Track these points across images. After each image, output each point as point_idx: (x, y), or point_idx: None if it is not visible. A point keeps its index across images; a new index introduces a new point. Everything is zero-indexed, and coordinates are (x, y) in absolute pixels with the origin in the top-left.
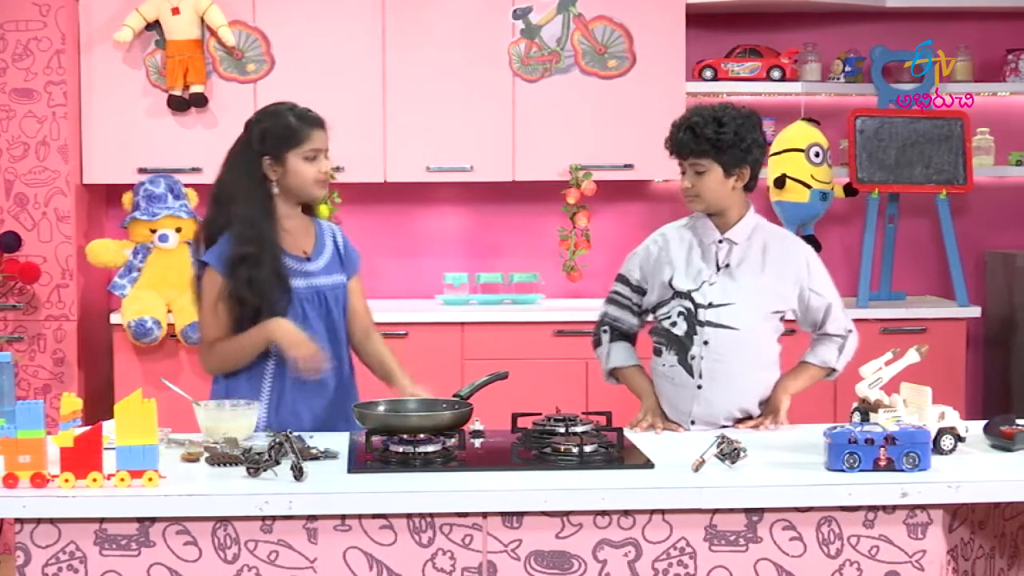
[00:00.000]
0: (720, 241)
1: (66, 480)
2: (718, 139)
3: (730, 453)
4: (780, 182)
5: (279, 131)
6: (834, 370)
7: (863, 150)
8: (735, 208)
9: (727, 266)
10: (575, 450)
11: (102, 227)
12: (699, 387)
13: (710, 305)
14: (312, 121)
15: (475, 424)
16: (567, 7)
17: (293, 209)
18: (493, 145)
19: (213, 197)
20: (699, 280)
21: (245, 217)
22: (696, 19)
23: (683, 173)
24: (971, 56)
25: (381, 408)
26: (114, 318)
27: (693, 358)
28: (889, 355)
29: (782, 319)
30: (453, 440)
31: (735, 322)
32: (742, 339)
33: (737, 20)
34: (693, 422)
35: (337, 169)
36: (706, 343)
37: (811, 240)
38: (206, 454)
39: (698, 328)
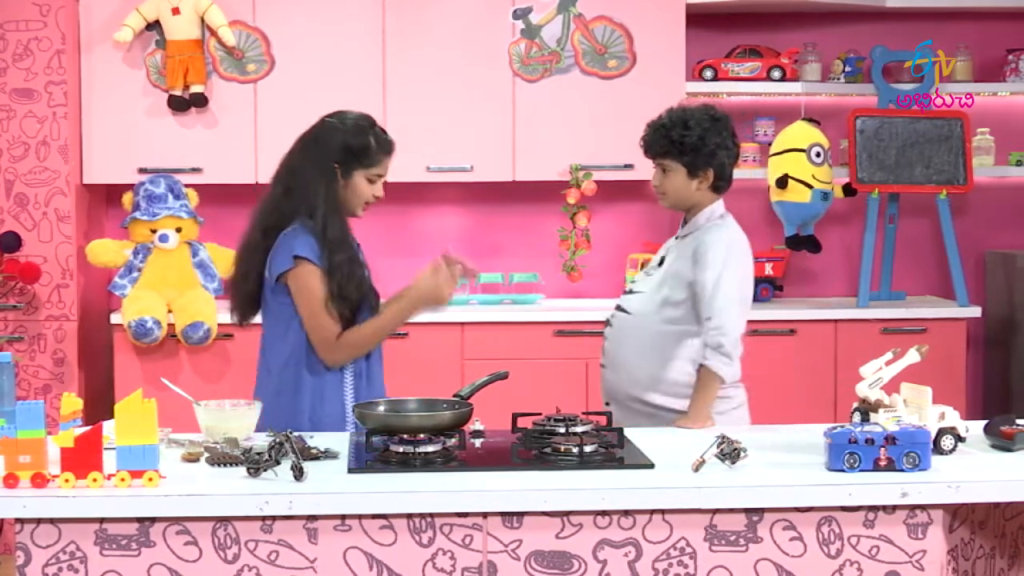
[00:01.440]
0: (678, 237)
1: (66, 480)
2: (682, 141)
3: (730, 453)
4: (782, 182)
5: (358, 148)
6: (704, 368)
7: (863, 150)
8: (702, 207)
9: (664, 259)
10: (575, 450)
11: (102, 227)
12: (603, 366)
13: (628, 292)
14: (388, 147)
15: (475, 424)
16: (567, 7)
17: None
18: (493, 145)
19: (285, 185)
20: (644, 272)
21: (331, 223)
22: (696, 19)
23: (655, 170)
24: (971, 56)
25: (381, 408)
26: (114, 318)
27: (605, 339)
28: (889, 355)
29: (684, 306)
30: (453, 440)
31: (633, 307)
32: (632, 323)
33: (737, 20)
34: (607, 403)
35: None
36: (611, 326)
37: (811, 240)
38: (206, 454)
39: (614, 312)
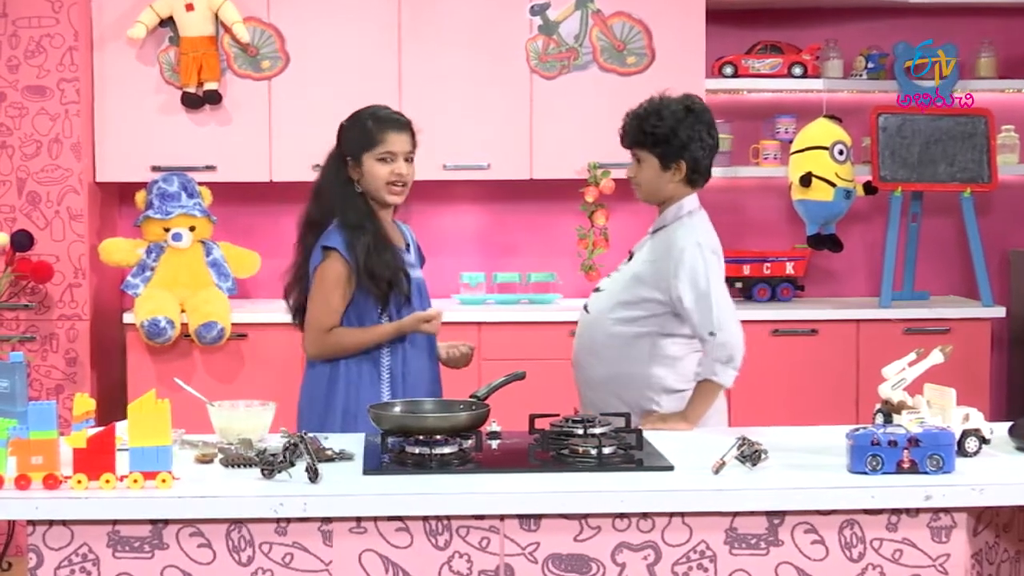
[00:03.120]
0: (650, 232)
1: (79, 481)
2: (653, 132)
3: (751, 455)
4: (806, 180)
5: (356, 134)
6: (710, 380)
7: (885, 148)
8: (675, 200)
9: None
10: (593, 452)
11: (115, 226)
12: (573, 365)
13: (596, 290)
14: (389, 123)
15: (492, 425)
16: (585, 3)
17: (380, 208)
18: (510, 143)
19: (313, 194)
20: (616, 270)
21: (348, 211)
22: (716, 15)
23: (631, 160)
24: (995, 52)
25: (397, 409)
26: (127, 318)
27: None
28: (912, 356)
29: (647, 311)
30: (470, 441)
31: (592, 307)
32: (588, 323)
33: (758, 16)
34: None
35: None
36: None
37: (833, 239)
38: (220, 455)
39: (581, 311)
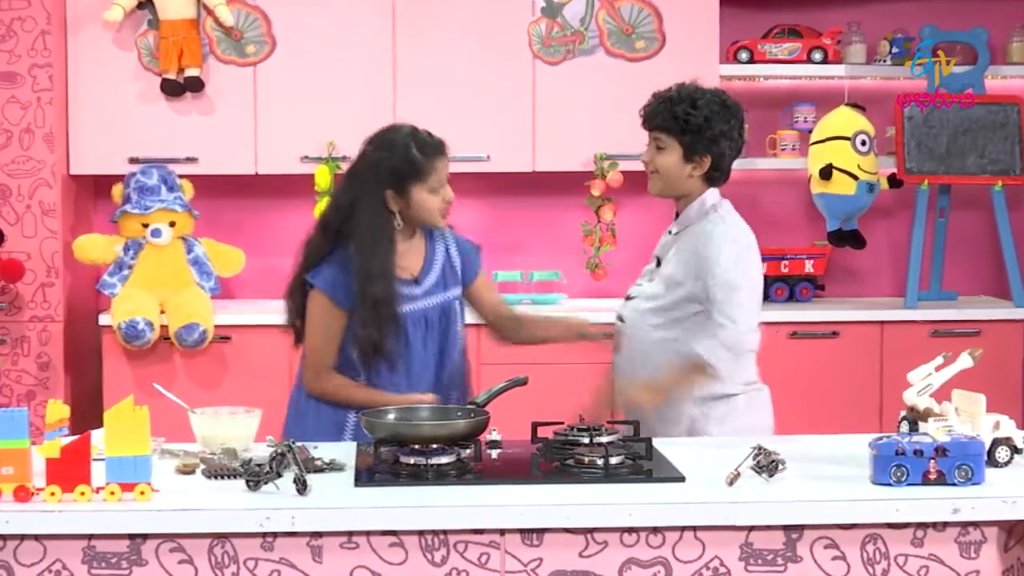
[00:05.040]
0: (672, 232)
1: (52, 494)
2: (686, 119)
3: (767, 466)
4: (826, 173)
5: (402, 165)
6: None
7: (911, 138)
8: (693, 197)
9: (660, 260)
10: (600, 462)
11: (90, 221)
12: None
13: (627, 298)
14: (435, 150)
15: (492, 434)
16: None
17: (409, 233)
18: (511, 133)
19: (326, 222)
20: (644, 274)
21: (377, 250)
22: None
23: (648, 145)
24: None
25: (391, 416)
26: (103, 319)
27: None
28: (940, 360)
29: (685, 313)
30: (468, 451)
31: (627, 316)
32: (625, 334)
33: None
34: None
35: (341, 158)
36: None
37: (855, 235)
38: (202, 466)
39: (615, 320)
